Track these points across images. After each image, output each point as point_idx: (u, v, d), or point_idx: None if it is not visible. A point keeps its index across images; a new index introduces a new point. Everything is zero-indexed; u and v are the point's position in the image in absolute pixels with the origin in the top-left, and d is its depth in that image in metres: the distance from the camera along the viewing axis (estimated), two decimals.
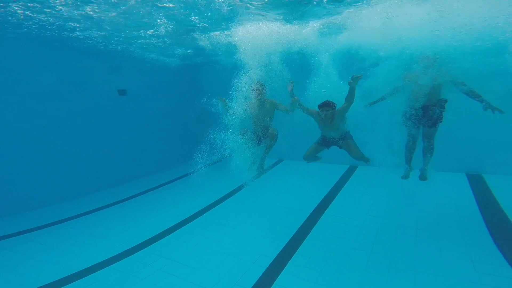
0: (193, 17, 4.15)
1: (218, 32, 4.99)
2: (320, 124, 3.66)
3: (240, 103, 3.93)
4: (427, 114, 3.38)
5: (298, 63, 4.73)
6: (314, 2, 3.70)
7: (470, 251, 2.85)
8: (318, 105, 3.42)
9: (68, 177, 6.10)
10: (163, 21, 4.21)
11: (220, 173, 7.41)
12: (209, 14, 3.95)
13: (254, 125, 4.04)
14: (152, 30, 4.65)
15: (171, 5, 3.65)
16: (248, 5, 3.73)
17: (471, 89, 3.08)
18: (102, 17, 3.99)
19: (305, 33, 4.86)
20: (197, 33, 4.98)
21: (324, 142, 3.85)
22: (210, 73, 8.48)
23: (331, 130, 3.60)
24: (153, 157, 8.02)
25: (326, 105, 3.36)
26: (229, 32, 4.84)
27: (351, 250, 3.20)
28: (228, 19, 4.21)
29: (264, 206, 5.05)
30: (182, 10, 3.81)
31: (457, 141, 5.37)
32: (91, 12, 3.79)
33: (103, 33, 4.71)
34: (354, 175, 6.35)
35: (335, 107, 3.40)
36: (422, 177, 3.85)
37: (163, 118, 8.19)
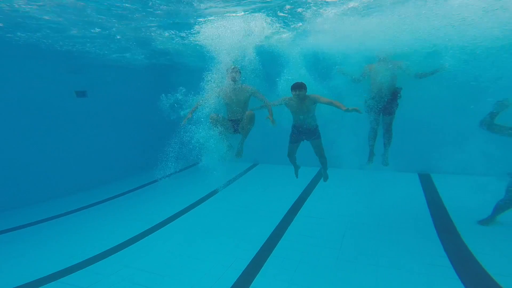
0: (150, 18, 3.96)
1: (177, 32, 4.79)
2: (292, 109, 3.80)
3: (213, 89, 3.75)
4: (385, 102, 3.92)
5: (269, 61, 4.78)
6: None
7: (420, 243, 3.24)
8: (291, 87, 3.61)
9: (21, 183, 5.48)
10: (112, 20, 3.92)
11: (194, 178, 7.32)
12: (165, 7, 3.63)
13: (228, 112, 3.89)
14: (99, 29, 4.33)
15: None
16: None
17: (421, 73, 3.73)
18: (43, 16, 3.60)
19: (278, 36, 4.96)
20: (156, 32, 4.74)
21: (296, 137, 3.99)
22: (180, 72, 8.23)
23: (302, 113, 3.73)
24: (120, 163, 7.53)
25: (298, 87, 3.54)
26: (192, 31, 4.67)
27: (323, 248, 3.39)
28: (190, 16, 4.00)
29: (239, 210, 5.08)
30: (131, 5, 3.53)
31: (410, 143, 6.08)
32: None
33: (48, 32, 4.26)
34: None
35: (306, 88, 3.61)
36: (384, 163, 4.36)
37: (130, 121, 7.73)
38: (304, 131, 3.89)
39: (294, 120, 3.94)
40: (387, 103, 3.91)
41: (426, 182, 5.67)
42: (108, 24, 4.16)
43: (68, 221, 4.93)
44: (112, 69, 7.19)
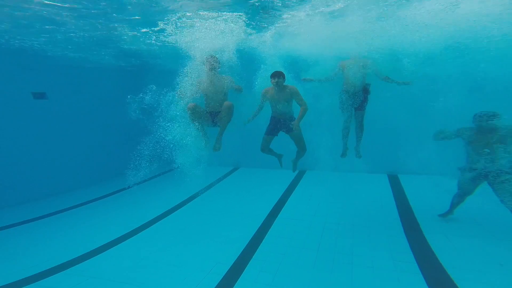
0: (114, 15, 3.76)
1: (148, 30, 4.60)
2: (271, 99, 3.89)
3: (191, 79, 3.64)
4: (356, 97, 4.27)
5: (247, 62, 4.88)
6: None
7: (390, 241, 3.53)
8: (270, 75, 3.73)
9: None
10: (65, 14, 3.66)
11: (173, 182, 7.12)
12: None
13: (207, 104, 3.79)
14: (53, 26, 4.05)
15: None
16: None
17: (385, 76, 4.13)
18: None
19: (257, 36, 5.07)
20: (122, 31, 4.56)
21: (273, 128, 4.05)
22: (153, 74, 7.98)
23: (280, 103, 3.83)
24: (90, 168, 7.12)
25: (277, 75, 3.68)
26: (158, 29, 4.53)
27: (302, 250, 3.53)
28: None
29: (220, 214, 5.07)
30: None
31: (379, 146, 6.56)
32: None
33: None
34: (303, 179, 7.00)
35: (285, 78, 3.76)
36: (357, 155, 4.69)
37: (98, 125, 7.30)
38: (283, 123, 3.98)
39: (273, 111, 4.02)
40: (358, 98, 4.27)
41: (394, 183, 6.15)
42: (62, 20, 3.87)
43: (24, 231, 4.54)
44: (77, 70, 6.73)
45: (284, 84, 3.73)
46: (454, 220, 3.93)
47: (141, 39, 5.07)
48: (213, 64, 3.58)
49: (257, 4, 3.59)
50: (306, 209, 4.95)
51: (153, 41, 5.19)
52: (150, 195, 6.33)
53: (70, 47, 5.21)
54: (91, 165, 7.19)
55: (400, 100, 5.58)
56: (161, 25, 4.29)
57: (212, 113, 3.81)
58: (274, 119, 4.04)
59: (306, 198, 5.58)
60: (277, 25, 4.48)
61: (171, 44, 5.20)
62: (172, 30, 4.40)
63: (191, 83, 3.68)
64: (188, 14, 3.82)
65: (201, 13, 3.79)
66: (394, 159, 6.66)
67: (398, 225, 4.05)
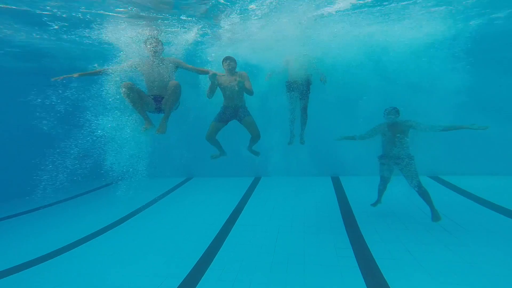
0: None
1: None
2: (222, 85, 3.98)
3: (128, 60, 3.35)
4: (299, 87, 4.77)
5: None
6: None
7: (335, 239, 3.99)
8: (223, 59, 3.83)
9: None
10: None
11: (114, 196, 6.48)
12: None
13: (148, 88, 3.57)
14: None
15: None
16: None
17: (321, 72, 4.69)
18: None
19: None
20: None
21: (224, 116, 4.10)
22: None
23: (232, 89, 3.93)
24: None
25: (229, 58, 3.81)
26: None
27: (259, 254, 3.68)
28: None
29: (170, 226, 4.87)
30: None
31: (322, 151, 7.38)
32: None
33: None
34: (258, 185, 7.27)
35: (236, 63, 3.92)
36: (301, 141, 5.20)
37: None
38: (234, 110, 4.09)
39: (224, 99, 4.12)
40: (301, 89, 4.79)
41: (337, 184, 6.99)
42: None
43: None
44: None
45: (235, 70, 3.90)
46: (382, 215, 4.73)
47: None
48: (155, 45, 3.41)
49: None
50: (262, 214, 5.18)
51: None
52: (85, 211, 5.58)
53: None
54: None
55: (337, 108, 6.54)
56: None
57: (156, 98, 3.53)
58: (226, 108, 4.11)
59: (262, 203, 5.83)
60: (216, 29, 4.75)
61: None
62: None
63: (126, 66, 3.39)
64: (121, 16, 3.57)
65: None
66: (336, 162, 7.58)
67: (340, 222, 4.63)
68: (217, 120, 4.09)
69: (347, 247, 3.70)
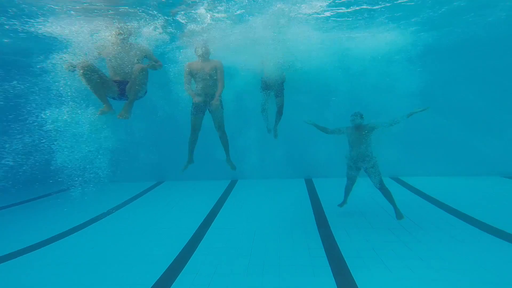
0: None
1: None
2: (195, 74, 3.99)
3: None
4: (274, 85, 4.99)
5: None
6: None
7: (308, 239, 4.14)
8: (195, 47, 3.91)
9: None
10: None
11: (76, 202, 5.96)
12: None
13: (112, 72, 3.38)
14: None
15: None
16: None
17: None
18: None
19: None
20: None
21: (198, 106, 4.12)
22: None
23: (204, 77, 3.96)
24: None
25: (201, 44, 3.87)
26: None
27: (236, 257, 3.68)
28: None
29: (137, 233, 4.66)
30: None
31: (296, 155, 7.67)
32: None
33: None
34: (235, 187, 7.27)
35: (209, 53, 3.98)
36: (275, 135, 5.46)
37: None
38: (206, 98, 4.11)
39: (197, 86, 4.13)
40: (276, 87, 5.06)
41: (310, 186, 7.30)
42: None
43: None
44: None
45: (209, 56, 3.92)
46: (350, 215, 5.05)
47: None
48: (117, 31, 3.29)
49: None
50: (239, 217, 5.19)
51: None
52: (38, 216, 5.05)
53: None
54: None
55: (308, 113, 6.86)
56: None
57: (120, 84, 3.35)
58: (199, 96, 4.10)
59: (239, 206, 5.84)
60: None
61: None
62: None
63: (87, 49, 3.22)
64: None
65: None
66: (309, 165, 7.91)
67: (313, 223, 4.84)
68: (193, 113, 4.07)
69: (319, 247, 3.89)
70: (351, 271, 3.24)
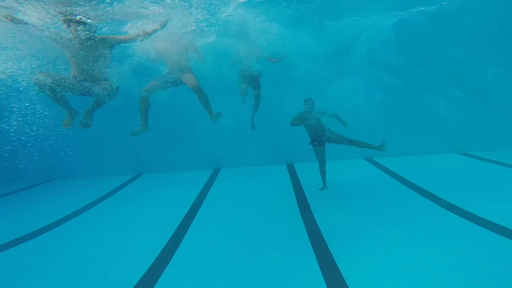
0: None
1: None
2: (168, 62, 4.19)
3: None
4: (252, 78, 5.32)
5: None
6: None
7: (292, 224, 4.31)
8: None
9: None
10: None
11: (52, 194, 5.56)
12: None
13: (74, 70, 3.23)
14: None
15: None
16: None
17: (271, 57, 5.53)
18: None
19: None
20: None
21: (168, 77, 4.17)
22: None
23: (173, 60, 4.18)
24: None
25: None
26: None
27: (222, 246, 3.75)
28: None
29: (119, 227, 4.55)
30: None
31: (277, 140, 7.75)
32: None
33: None
34: (218, 177, 7.21)
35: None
36: (252, 127, 5.80)
37: None
38: (178, 72, 4.23)
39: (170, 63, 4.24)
40: (253, 79, 5.36)
41: (291, 171, 7.50)
42: None
43: None
44: None
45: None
46: (330, 198, 5.32)
47: None
48: (78, 24, 3.12)
49: None
50: (224, 206, 5.23)
51: None
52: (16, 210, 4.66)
53: None
54: None
55: (286, 100, 6.96)
56: None
57: (84, 81, 3.25)
58: (171, 71, 4.23)
59: (223, 195, 5.85)
60: None
61: None
62: None
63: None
64: None
65: None
66: (289, 150, 8.07)
67: (296, 208, 5.05)
68: (157, 79, 4.08)
69: (302, 231, 4.09)
70: (331, 253, 3.48)
